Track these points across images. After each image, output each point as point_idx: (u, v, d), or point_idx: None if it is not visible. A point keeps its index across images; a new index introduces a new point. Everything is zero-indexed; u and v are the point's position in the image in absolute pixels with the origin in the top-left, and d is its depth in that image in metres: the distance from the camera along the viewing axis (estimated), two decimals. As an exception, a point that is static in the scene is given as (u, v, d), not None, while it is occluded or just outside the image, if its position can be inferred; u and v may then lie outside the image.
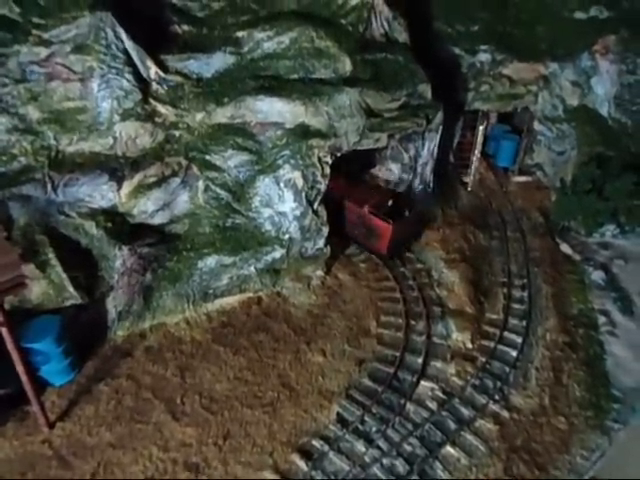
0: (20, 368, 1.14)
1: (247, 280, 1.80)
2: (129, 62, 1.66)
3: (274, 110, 1.81)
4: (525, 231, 2.21)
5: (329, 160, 1.80)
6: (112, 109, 1.65)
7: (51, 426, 1.31)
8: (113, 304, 1.60)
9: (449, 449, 1.28)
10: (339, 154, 1.84)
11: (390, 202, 2.01)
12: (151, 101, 1.69)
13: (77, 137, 1.62)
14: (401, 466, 1.23)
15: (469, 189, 2.45)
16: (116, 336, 1.60)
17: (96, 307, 1.60)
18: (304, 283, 1.85)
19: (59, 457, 1.27)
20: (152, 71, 1.68)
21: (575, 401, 1.45)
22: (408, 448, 1.27)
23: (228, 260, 1.76)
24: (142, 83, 1.69)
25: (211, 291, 1.73)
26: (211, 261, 1.75)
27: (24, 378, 1.18)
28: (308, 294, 1.82)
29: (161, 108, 1.70)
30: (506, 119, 2.92)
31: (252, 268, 1.81)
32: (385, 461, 1.23)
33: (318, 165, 1.80)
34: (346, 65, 1.90)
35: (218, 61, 1.84)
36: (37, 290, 1.45)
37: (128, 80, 1.65)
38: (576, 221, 2.18)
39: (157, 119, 1.70)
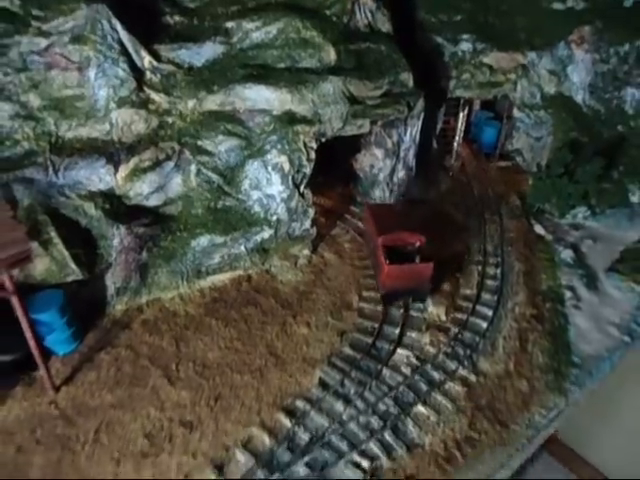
0: (28, 334, 1.25)
1: (237, 259, 1.90)
2: (124, 52, 1.74)
3: (262, 97, 1.90)
4: (502, 213, 2.31)
5: (314, 145, 1.89)
6: (108, 97, 1.74)
7: (57, 389, 1.42)
8: (112, 280, 1.69)
9: (420, 408, 1.40)
10: (324, 139, 1.94)
11: (414, 246, 1.83)
12: (145, 89, 1.77)
13: (76, 123, 1.71)
14: (376, 423, 1.35)
15: (451, 174, 2.55)
16: (115, 310, 1.71)
17: (96, 283, 1.70)
18: (291, 262, 1.95)
19: (65, 416, 1.38)
20: (146, 60, 1.76)
21: (538, 367, 1.57)
22: (383, 407, 1.39)
23: (219, 240, 1.86)
24: (136, 72, 1.77)
25: (204, 269, 1.83)
26: (203, 241, 1.85)
27: (32, 344, 1.29)
28: (295, 272, 1.93)
29: (155, 96, 1.79)
30: (489, 106, 3.00)
31: (242, 247, 1.91)
32: (361, 418, 1.35)
33: (304, 150, 1.89)
34: (330, 54, 1.98)
35: (208, 50, 1.92)
36: (40, 267, 1.55)
37: (123, 69, 1.73)
38: (550, 203, 2.29)
39: (151, 106, 1.79)
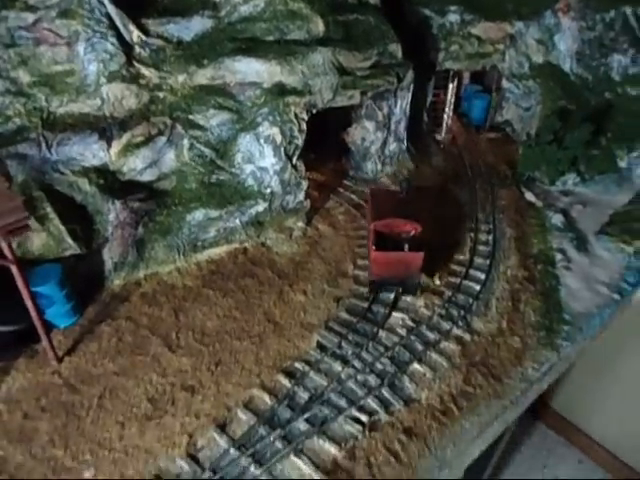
0: (29, 304, 1.26)
1: (233, 232, 1.91)
2: (112, 26, 1.73)
3: (252, 70, 1.89)
4: (493, 183, 2.32)
5: (305, 116, 1.89)
6: (98, 71, 1.72)
7: (59, 360, 1.43)
8: (109, 255, 1.70)
9: (416, 366, 1.43)
10: (314, 111, 1.94)
11: (408, 234, 1.60)
12: (135, 64, 1.76)
13: (67, 99, 1.70)
14: (373, 380, 1.38)
15: (442, 146, 2.56)
16: (113, 285, 1.71)
17: (93, 258, 1.70)
18: (286, 234, 1.96)
19: (68, 385, 1.40)
20: (134, 35, 1.75)
21: (530, 325, 1.60)
22: (380, 366, 1.42)
23: (214, 214, 1.87)
24: (126, 46, 1.75)
25: (200, 243, 1.84)
26: (199, 215, 1.85)
27: (33, 314, 1.30)
28: (290, 244, 1.94)
29: (145, 70, 1.78)
30: (478, 79, 3.01)
31: (237, 221, 1.91)
32: (359, 377, 1.37)
33: (295, 121, 1.89)
34: (319, 26, 1.97)
35: (197, 25, 1.91)
36: (38, 242, 1.56)
37: (112, 43, 1.72)
38: (540, 171, 2.30)
39: (141, 81, 1.77)
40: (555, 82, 2.31)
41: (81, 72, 1.62)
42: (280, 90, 1.80)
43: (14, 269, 1.11)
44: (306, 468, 1.08)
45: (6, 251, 1.09)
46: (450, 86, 2.35)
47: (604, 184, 2.11)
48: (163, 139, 1.75)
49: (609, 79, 2.25)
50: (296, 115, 1.78)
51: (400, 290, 1.57)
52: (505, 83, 2.47)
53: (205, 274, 1.70)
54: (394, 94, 2.08)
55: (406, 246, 1.54)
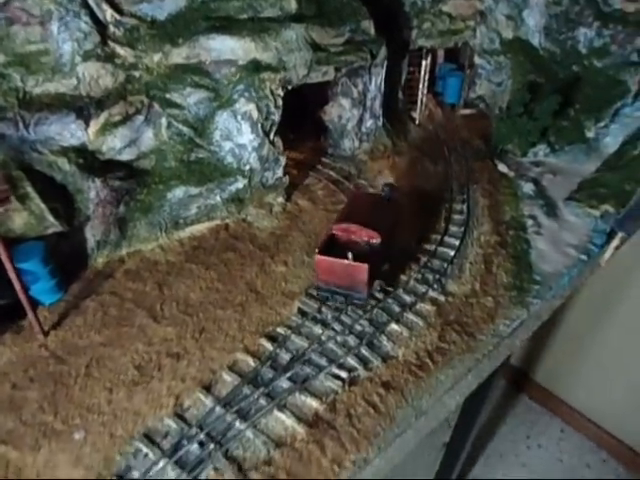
0: (13, 277, 1.28)
1: (214, 209, 1.93)
2: (85, 4, 1.72)
3: (226, 48, 1.91)
4: (467, 156, 2.39)
5: (281, 92, 1.92)
6: (73, 51, 1.72)
7: (45, 334, 1.44)
8: (91, 233, 1.71)
9: (393, 326, 1.47)
10: (290, 87, 1.98)
11: (367, 244, 1.32)
12: (110, 43, 1.76)
13: (42, 78, 1.70)
14: (352, 341, 1.42)
15: (417, 123, 2.62)
16: (97, 263, 1.72)
17: (76, 236, 1.71)
18: (267, 209, 2.00)
19: (55, 356, 1.41)
20: (108, 13, 1.75)
21: (502, 285, 1.65)
22: (358, 328, 1.46)
23: (195, 191, 1.89)
24: (100, 25, 1.75)
25: (181, 220, 1.86)
26: (179, 192, 1.87)
27: (18, 287, 1.32)
28: (271, 219, 1.98)
29: (120, 50, 1.78)
30: (452, 58, 3.07)
31: (218, 198, 1.94)
32: (339, 338, 1.42)
33: (271, 97, 1.92)
34: (291, 3, 1.98)
35: (170, 4, 1.91)
36: (19, 220, 1.56)
37: (86, 22, 1.71)
38: (512, 143, 2.38)
39: (117, 60, 1.78)
40: (525, 57, 2.37)
41: (56, 51, 1.63)
42: (255, 67, 1.83)
43: (-4, 242, 1.14)
44: (289, 421, 1.13)
45: (-12, 223, 1.12)
46: (424, 63, 2.40)
47: (573, 154, 2.19)
48: (141, 118, 1.77)
49: (576, 52, 2.32)
50: (272, 91, 1.81)
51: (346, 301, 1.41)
52: (477, 59, 2.52)
53: (187, 250, 1.73)
54: (368, 71, 2.12)
55: (350, 255, 1.30)
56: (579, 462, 3.99)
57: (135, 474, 1.02)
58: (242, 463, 1.05)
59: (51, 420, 1.16)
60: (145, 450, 1.06)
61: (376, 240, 1.34)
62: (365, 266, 1.29)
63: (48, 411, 1.19)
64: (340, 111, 2.32)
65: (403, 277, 1.60)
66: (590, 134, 2.27)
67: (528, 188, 1.99)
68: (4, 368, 1.28)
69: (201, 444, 1.06)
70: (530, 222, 1.82)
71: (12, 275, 1.21)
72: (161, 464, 1.03)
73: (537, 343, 3.98)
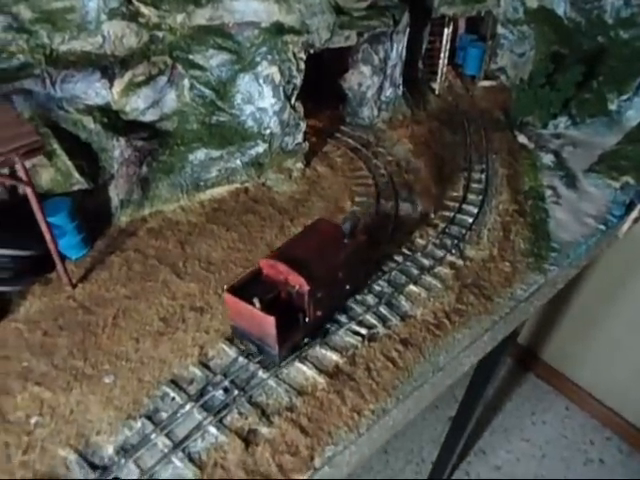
0: (43, 227, 1.31)
1: (234, 172, 1.95)
2: (110, -38, 1.73)
3: (250, 10, 1.90)
4: (486, 127, 2.36)
5: (303, 56, 1.91)
6: (98, 8, 1.72)
7: (73, 286, 1.49)
8: (115, 192, 1.74)
9: (412, 287, 1.49)
10: (312, 51, 1.97)
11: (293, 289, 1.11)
12: (134, 2, 1.74)
13: (68, 36, 1.70)
14: (371, 300, 1.45)
15: (437, 94, 2.60)
16: (120, 221, 1.75)
17: (100, 195, 1.74)
18: (286, 175, 2.01)
19: (83, 307, 1.46)
20: (132, -30, 1.75)
21: (520, 252, 1.67)
22: (377, 288, 1.48)
23: (216, 154, 1.90)
24: (124, -18, 1.76)
25: (202, 183, 1.88)
26: (200, 154, 1.89)
27: (48, 238, 1.36)
28: (290, 184, 1.99)
29: (144, 9, 1.78)
30: (473, 29, 3.02)
31: (238, 161, 1.96)
32: (358, 297, 1.44)
33: (293, 60, 1.91)
34: (315, -36, 1.98)
35: (194, -36, 1.91)
36: (46, 176, 1.60)
37: (110, -22, 1.72)
38: (533, 115, 2.35)
39: (141, 19, 1.78)
40: (549, 27, 2.33)
41: (81, 9, 1.63)
42: (278, 29, 1.82)
43: (29, 191, 1.16)
44: (310, 372, 1.16)
45: (22, 173, 1.14)
46: (445, 31, 2.37)
47: (594, 127, 2.17)
48: (164, 79, 1.77)
49: (602, 23, 2.27)
50: (294, 54, 1.81)
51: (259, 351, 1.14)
52: (500, 29, 2.48)
53: (208, 211, 1.76)
54: (390, 38, 2.10)
55: (257, 301, 1.03)
56: (583, 439, 4.05)
57: (163, 415, 1.07)
58: (265, 408, 1.09)
59: (81, 365, 1.21)
60: (172, 394, 1.10)
61: (302, 289, 1.03)
62: (271, 319, 1.00)
63: (78, 357, 1.23)
64: (360, 78, 2.30)
65: (421, 241, 1.62)
66: (613, 107, 2.24)
67: (548, 159, 1.99)
68: (34, 317, 1.33)
69: (226, 390, 1.10)
70: (549, 192, 1.82)
71: (43, 227, 1.24)
72: (188, 407, 1.07)
73: (545, 322, 4.00)
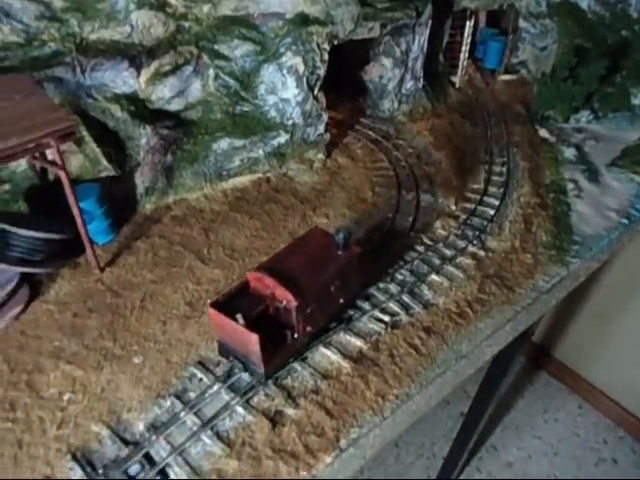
0: (75, 210, 1.34)
1: (256, 162, 1.97)
2: (139, -49, 1.76)
3: (274, 1, 1.90)
4: (507, 120, 2.35)
5: (327, 47, 1.93)
6: (127, -2, 1.77)
7: (101, 270, 1.53)
8: (141, 180, 1.77)
9: (434, 277, 1.50)
10: (336, 42, 1.98)
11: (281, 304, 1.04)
12: None
13: (98, 25, 1.73)
14: (394, 288, 1.47)
15: (457, 87, 2.59)
16: (145, 209, 1.77)
17: (126, 182, 1.77)
18: (307, 165, 2.03)
19: (111, 290, 1.49)
20: (160, -39, 1.77)
21: (541, 244, 1.66)
22: (400, 277, 1.50)
23: (239, 143, 1.92)
24: (152, -28, 1.79)
25: (225, 172, 1.91)
26: (224, 144, 1.91)
27: (79, 221, 1.39)
28: (311, 174, 2.01)
29: (171, -1, 1.82)
30: (494, 23, 3.00)
31: (260, 151, 1.97)
32: (381, 285, 1.46)
33: (317, 51, 1.92)
34: (340, -44, 1.98)
35: (220, -46, 1.93)
36: (75, 163, 1.63)
37: (139, -32, 1.75)
38: (554, 109, 2.35)
39: (168, 9, 1.80)
40: (572, 20, 2.31)
41: (110, -2, 1.67)
42: (303, 20, 1.84)
43: (63, 175, 1.19)
44: (335, 357, 1.18)
45: (56, 157, 1.17)
46: (467, 24, 2.36)
47: (617, 121, 2.15)
48: (190, 68, 1.80)
49: (626, 16, 2.25)
50: (318, 45, 1.82)
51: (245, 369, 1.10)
52: (522, 23, 2.47)
53: (231, 200, 1.78)
54: (412, 30, 2.10)
55: (240, 317, 0.96)
56: (595, 438, 4.02)
57: (191, 395, 1.09)
58: (291, 391, 1.10)
59: (111, 346, 1.24)
60: (200, 375, 1.12)
61: (290, 304, 0.96)
62: (255, 337, 0.93)
63: (107, 338, 1.26)
64: (381, 71, 2.31)
65: (443, 232, 1.62)
66: (636, 101, 2.22)
67: (570, 153, 1.98)
68: (64, 299, 1.36)
69: (252, 373, 1.12)
70: (571, 186, 1.82)
71: (75, 211, 1.27)
72: (215, 388, 1.09)
73: (560, 320, 3.98)
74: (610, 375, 3.89)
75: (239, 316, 0.95)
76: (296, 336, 1.01)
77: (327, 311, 1.10)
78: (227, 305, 1.00)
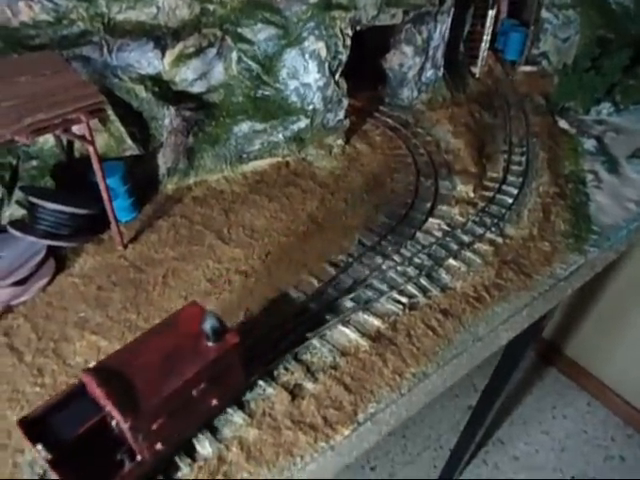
0: (103, 187, 1.38)
1: (276, 146, 1.98)
2: None
3: (298, -15, 1.94)
4: (527, 111, 2.34)
5: (350, 32, 1.93)
6: (154, -22, 1.79)
7: (125, 246, 1.56)
8: (163, 160, 1.79)
9: (452, 261, 1.50)
10: (358, 28, 1.98)
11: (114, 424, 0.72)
12: None
13: (125, 6, 1.75)
14: (412, 271, 1.47)
15: (477, 77, 2.58)
16: (166, 189, 1.81)
17: (149, 162, 1.79)
18: (326, 150, 2.03)
19: (134, 266, 1.52)
20: (186, -58, 1.78)
21: (560, 233, 1.66)
22: (418, 260, 1.50)
23: (260, 127, 1.94)
24: (177, -46, 1.80)
25: (245, 155, 1.92)
26: (245, 127, 1.93)
27: (106, 197, 1.42)
28: (330, 160, 2.02)
29: (196, -20, 1.83)
30: (514, 14, 2.98)
31: (280, 135, 1.99)
32: (399, 268, 1.47)
33: (340, 36, 1.93)
34: (364, -60, 1.97)
35: (246, -62, 1.94)
36: (100, 141, 1.65)
37: (165, -51, 1.76)
38: (575, 100, 2.33)
39: (193, -9, 1.84)
40: (596, 11, 2.29)
41: (138, -21, 1.69)
42: (326, 5, 1.84)
43: (92, 150, 1.22)
44: (353, 335, 1.20)
45: (86, 132, 1.20)
46: (490, 13, 2.35)
47: (638, 114, 2.14)
48: (213, 51, 1.81)
49: (651, 8, 2.24)
50: (341, 30, 1.82)
51: None
52: (544, 13, 2.45)
53: (251, 182, 1.80)
54: (434, 18, 2.10)
55: (42, 450, 0.70)
56: (604, 435, 4.01)
57: (213, 367, 1.11)
58: (310, 366, 1.13)
59: (134, 318, 1.27)
60: (222, 348, 1.14)
61: (122, 425, 0.71)
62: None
63: (131, 310, 1.29)
64: (402, 59, 2.30)
65: (461, 219, 1.63)
66: (658, 94, 2.21)
67: (589, 144, 1.97)
68: (89, 272, 1.39)
69: (272, 346, 1.14)
70: (590, 177, 1.81)
71: (102, 187, 1.30)
72: (236, 361, 1.11)
73: (570, 317, 3.96)
74: (621, 373, 3.86)
75: (40, 448, 0.67)
76: (140, 459, 0.73)
77: (192, 419, 0.84)
78: (41, 421, 0.70)
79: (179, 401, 0.75)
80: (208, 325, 0.79)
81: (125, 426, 0.70)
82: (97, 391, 0.73)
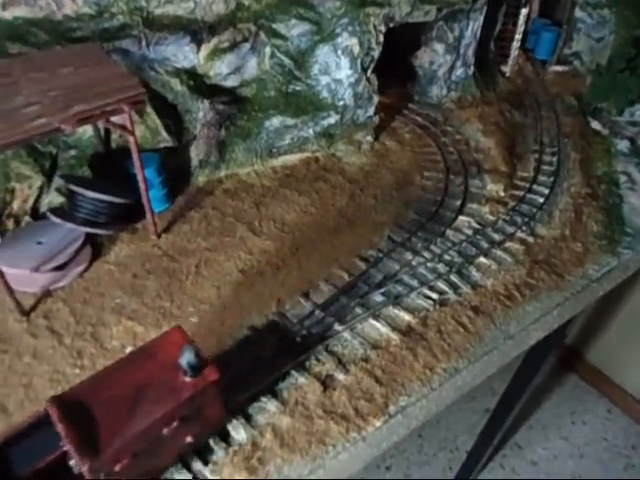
0: (140, 177, 1.41)
1: (306, 141, 1.99)
2: None
3: (333, -20, 1.94)
4: (558, 111, 2.31)
5: (383, 29, 1.94)
6: (192, -26, 1.81)
7: (158, 235, 1.59)
8: (195, 153, 1.82)
9: (482, 259, 1.49)
10: (392, 25, 1.98)
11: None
12: None
13: (164, 0, 1.81)
14: (442, 268, 1.47)
15: (507, 76, 2.56)
16: (198, 181, 1.84)
17: (182, 154, 1.82)
18: (355, 147, 2.04)
19: (168, 255, 1.55)
20: (223, -61, 1.80)
21: (592, 234, 1.63)
22: (448, 258, 1.49)
23: (290, 122, 1.95)
24: (213, -51, 1.82)
25: (275, 149, 1.94)
26: (276, 122, 1.94)
27: (142, 187, 1.45)
28: (359, 156, 2.02)
29: (233, -24, 1.85)
30: (546, 13, 2.94)
31: (310, 131, 2.00)
32: (429, 264, 1.47)
33: (373, 32, 1.92)
34: (399, -63, 1.97)
35: None
36: (137, 133, 1.68)
37: (201, -55, 1.78)
38: (608, 101, 2.29)
39: (229, -13, 1.86)
40: (631, 11, 2.25)
41: (176, -26, 1.71)
42: (361, 1, 1.85)
43: (132, 140, 1.25)
44: (384, 329, 1.21)
45: (127, 122, 1.22)
46: (523, 11, 2.33)
47: (673, 116, 2.10)
48: (247, 46, 1.83)
49: (690, 8, 2.19)
50: (375, 26, 1.83)
51: None
52: (578, 12, 2.42)
53: (281, 177, 1.82)
54: (467, 15, 2.09)
55: None
56: (624, 443, 3.94)
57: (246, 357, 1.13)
58: (341, 357, 1.14)
59: (168, 306, 1.29)
60: (253, 339, 1.16)
61: (82, 467, 0.65)
62: None
63: (165, 298, 1.32)
64: (432, 56, 2.30)
65: (491, 217, 1.63)
66: (694, 96, 2.16)
67: (623, 146, 1.94)
68: (124, 260, 1.42)
69: (303, 337, 1.16)
70: (623, 178, 1.79)
71: (140, 177, 1.33)
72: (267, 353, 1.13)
73: (593, 323, 3.91)
74: (643, 380, 3.80)
75: None
76: None
77: (162, 458, 0.75)
78: (0, 451, 0.66)
79: (146, 441, 0.67)
80: (185, 360, 0.71)
81: (83, 469, 0.63)
82: (59, 426, 0.66)
